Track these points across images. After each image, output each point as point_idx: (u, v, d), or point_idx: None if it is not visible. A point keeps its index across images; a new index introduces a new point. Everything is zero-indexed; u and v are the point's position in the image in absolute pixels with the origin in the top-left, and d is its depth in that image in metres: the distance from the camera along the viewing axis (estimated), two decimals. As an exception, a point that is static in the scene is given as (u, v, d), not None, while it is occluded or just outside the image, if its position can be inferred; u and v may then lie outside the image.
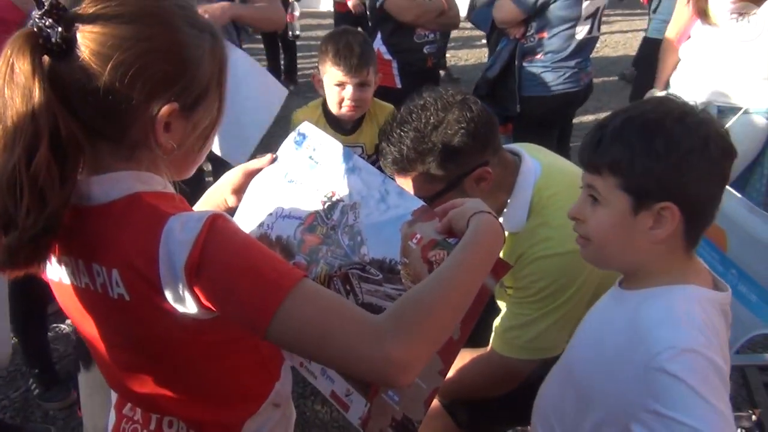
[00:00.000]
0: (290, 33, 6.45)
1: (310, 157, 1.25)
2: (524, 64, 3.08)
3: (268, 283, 0.81)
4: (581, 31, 3.03)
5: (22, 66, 0.77)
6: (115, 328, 0.95)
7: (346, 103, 2.20)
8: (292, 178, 1.24)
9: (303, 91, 6.55)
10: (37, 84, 0.77)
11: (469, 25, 5.04)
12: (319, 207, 1.20)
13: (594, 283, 1.47)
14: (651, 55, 3.39)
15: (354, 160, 1.21)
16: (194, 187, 2.89)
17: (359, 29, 2.57)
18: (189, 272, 0.81)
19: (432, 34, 3.28)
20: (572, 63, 3.07)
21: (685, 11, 2.77)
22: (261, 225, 1.24)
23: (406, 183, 1.52)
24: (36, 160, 0.77)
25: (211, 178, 2.85)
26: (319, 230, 1.18)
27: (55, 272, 0.95)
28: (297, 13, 6.59)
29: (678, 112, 1.05)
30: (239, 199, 1.28)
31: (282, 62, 6.83)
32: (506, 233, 1.53)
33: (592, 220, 1.13)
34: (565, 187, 1.52)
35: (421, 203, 1.13)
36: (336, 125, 2.31)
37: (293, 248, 1.20)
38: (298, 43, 6.93)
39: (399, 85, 3.25)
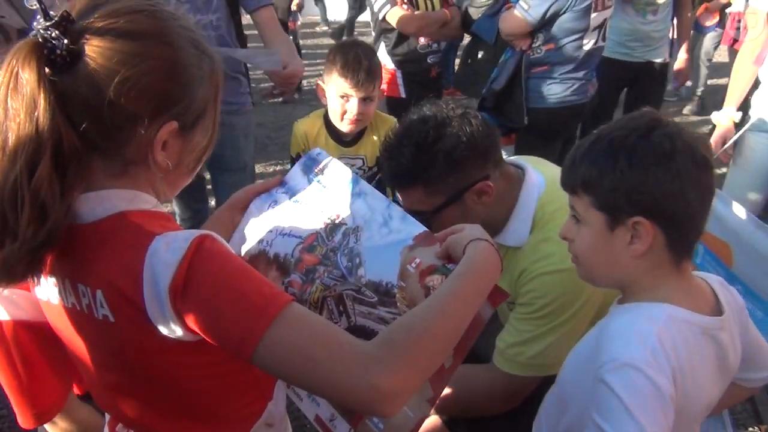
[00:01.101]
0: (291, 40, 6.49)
1: (319, 181, 1.25)
2: (531, 75, 3.05)
3: (254, 308, 0.80)
4: (588, 43, 3.01)
5: (28, 76, 0.76)
6: (102, 349, 0.93)
7: (349, 116, 2.18)
8: (298, 199, 1.25)
9: (307, 100, 6.57)
10: (42, 95, 0.76)
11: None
12: (321, 228, 1.19)
13: (598, 300, 1.45)
14: (605, 75, 3.39)
15: (361, 185, 1.22)
16: (195, 195, 2.89)
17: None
18: (173, 294, 0.79)
19: (435, 44, 3.30)
20: (580, 74, 3.05)
21: (764, 33, 2.68)
22: (260, 241, 1.23)
23: (406, 197, 1.50)
24: (38, 174, 0.77)
25: (210, 186, 2.84)
26: (318, 250, 1.17)
27: (44, 292, 0.94)
28: (299, 22, 6.63)
29: (645, 127, 1.06)
30: None
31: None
32: (507, 248, 1.53)
33: (577, 239, 1.15)
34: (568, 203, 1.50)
35: (423, 229, 1.13)
36: (337, 137, 2.30)
37: (290, 266, 1.18)
38: (302, 51, 6.95)
39: (403, 95, 3.26)
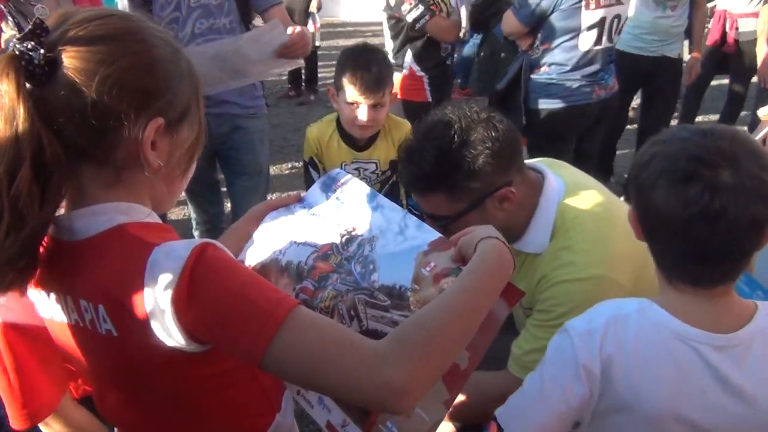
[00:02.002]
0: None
1: (337, 198, 1.26)
2: (531, 76, 3.06)
3: (261, 313, 0.80)
4: (585, 42, 2.97)
5: (6, 87, 0.77)
6: (108, 364, 0.93)
7: (359, 122, 2.16)
8: (315, 212, 1.25)
9: (323, 101, 6.57)
10: (21, 104, 0.77)
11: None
12: (336, 239, 1.19)
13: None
14: (620, 69, 3.40)
15: (378, 199, 1.22)
16: (211, 200, 2.90)
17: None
18: (177, 304, 0.79)
19: (450, 46, 3.45)
20: (578, 75, 3.02)
21: None
22: (274, 250, 1.23)
23: (426, 202, 1.48)
24: (17, 182, 0.77)
25: (225, 190, 2.85)
26: (332, 259, 1.17)
27: (47, 310, 0.93)
28: (318, 24, 6.62)
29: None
30: None
31: (303, 72, 6.86)
32: (527, 254, 1.51)
33: None
34: (589, 209, 1.49)
35: (438, 235, 1.12)
36: (349, 141, 2.28)
37: (303, 274, 1.18)
38: (319, 52, 6.96)
39: (430, 99, 3.35)
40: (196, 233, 2.87)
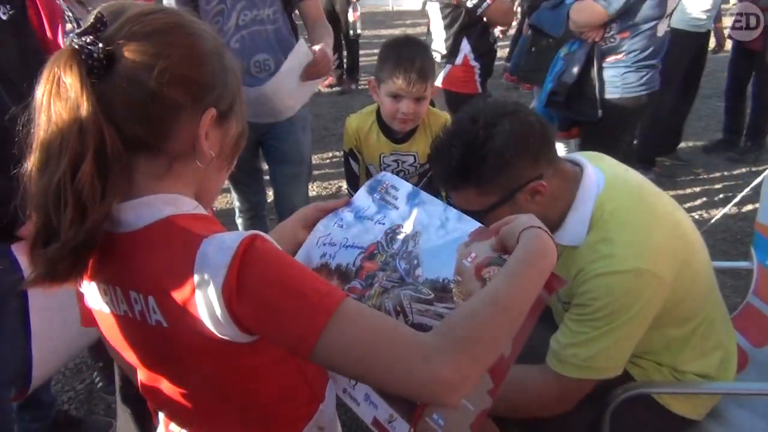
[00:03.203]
0: (351, 32, 6.48)
1: (382, 198, 1.28)
2: (604, 65, 2.97)
3: (311, 304, 0.80)
4: (662, 28, 2.93)
5: (70, 81, 0.78)
6: (156, 355, 0.95)
7: (400, 115, 2.14)
8: (361, 215, 1.28)
9: (365, 90, 6.58)
10: (85, 98, 0.78)
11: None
12: (382, 238, 1.22)
13: (658, 303, 1.40)
14: (672, 48, 3.40)
15: (420, 196, 1.24)
16: (254, 188, 2.94)
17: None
18: (228, 295, 0.80)
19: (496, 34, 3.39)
20: (653, 62, 2.98)
21: None
22: (323, 255, 1.26)
23: (458, 196, 1.49)
24: (80, 174, 0.78)
25: (267, 177, 2.89)
26: (378, 258, 1.19)
27: (96, 300, 0.95)
28: (359, 13, 6.62)
29: None
30: None
31: (344, 61, 6.87)
32: (564, 247, 1.49)
33: None
34: (629, 201, 1.46)
35: (478, 225, 1.13)
36: (389, 133, 2.27)
37: (351, 275, 1.20)
38: (360, 41, 6.96)
39: (480, 90, 3.30)
40: (239, 221, 2.93)
